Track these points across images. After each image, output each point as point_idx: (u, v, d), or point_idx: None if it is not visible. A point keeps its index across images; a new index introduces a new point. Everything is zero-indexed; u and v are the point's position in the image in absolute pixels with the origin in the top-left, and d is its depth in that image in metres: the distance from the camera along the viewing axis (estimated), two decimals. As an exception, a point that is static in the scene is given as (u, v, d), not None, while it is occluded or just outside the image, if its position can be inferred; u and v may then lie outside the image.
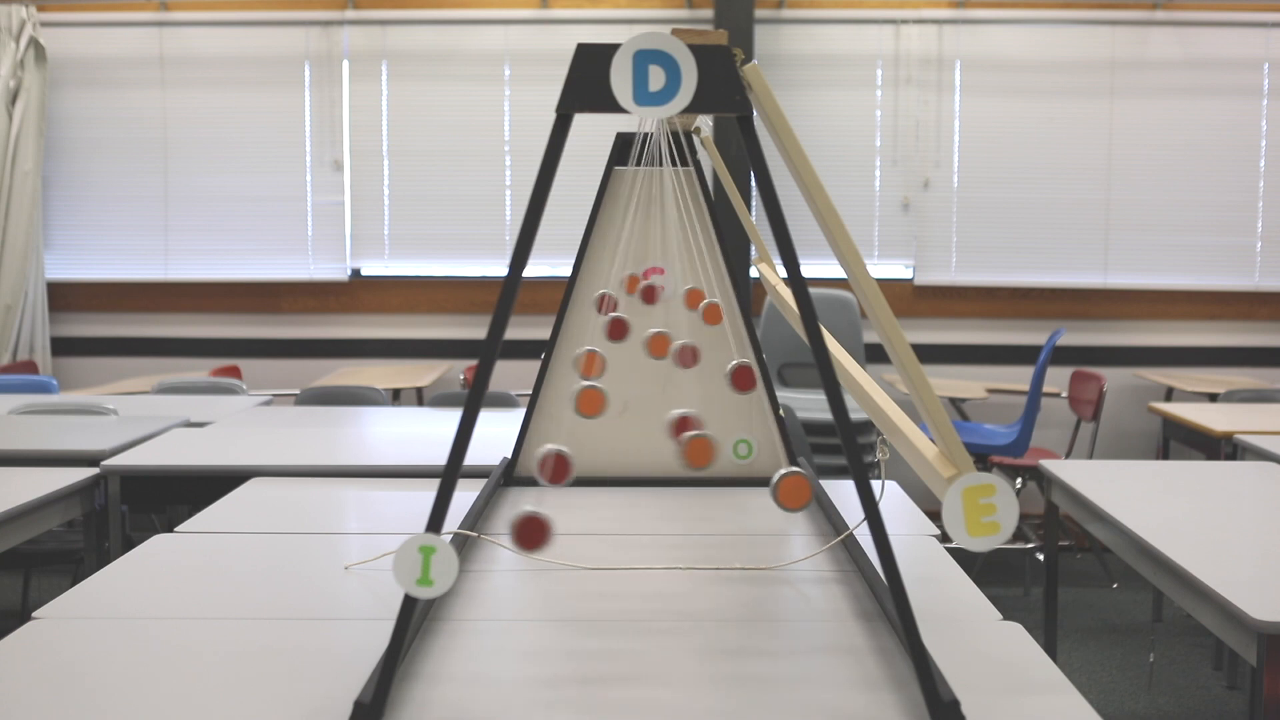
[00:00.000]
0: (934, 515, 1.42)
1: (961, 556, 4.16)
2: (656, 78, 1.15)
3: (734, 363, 1.56)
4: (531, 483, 2.25)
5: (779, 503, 1.30)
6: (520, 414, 2.33)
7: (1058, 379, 5.38)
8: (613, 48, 1.15)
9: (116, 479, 2.63)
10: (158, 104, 5.53)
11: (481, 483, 2.10)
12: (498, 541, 1.84)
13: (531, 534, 1.16)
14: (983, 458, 4.59)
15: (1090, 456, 4.95)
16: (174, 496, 2.82)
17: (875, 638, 1.41)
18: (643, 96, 1.15)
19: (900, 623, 1.15)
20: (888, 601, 1.41)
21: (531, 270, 4.92)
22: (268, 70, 5.51)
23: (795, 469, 1.31)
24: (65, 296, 5.61)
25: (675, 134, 2.06)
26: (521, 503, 2.12)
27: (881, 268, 5.52)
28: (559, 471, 1.27)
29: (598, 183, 2.19)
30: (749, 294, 5.19)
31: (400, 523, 2.06)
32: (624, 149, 2.19)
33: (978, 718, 1.16)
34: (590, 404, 1.63)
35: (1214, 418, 3.71)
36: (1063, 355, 5.41)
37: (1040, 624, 3.05)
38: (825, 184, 1.23)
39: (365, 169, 5.54)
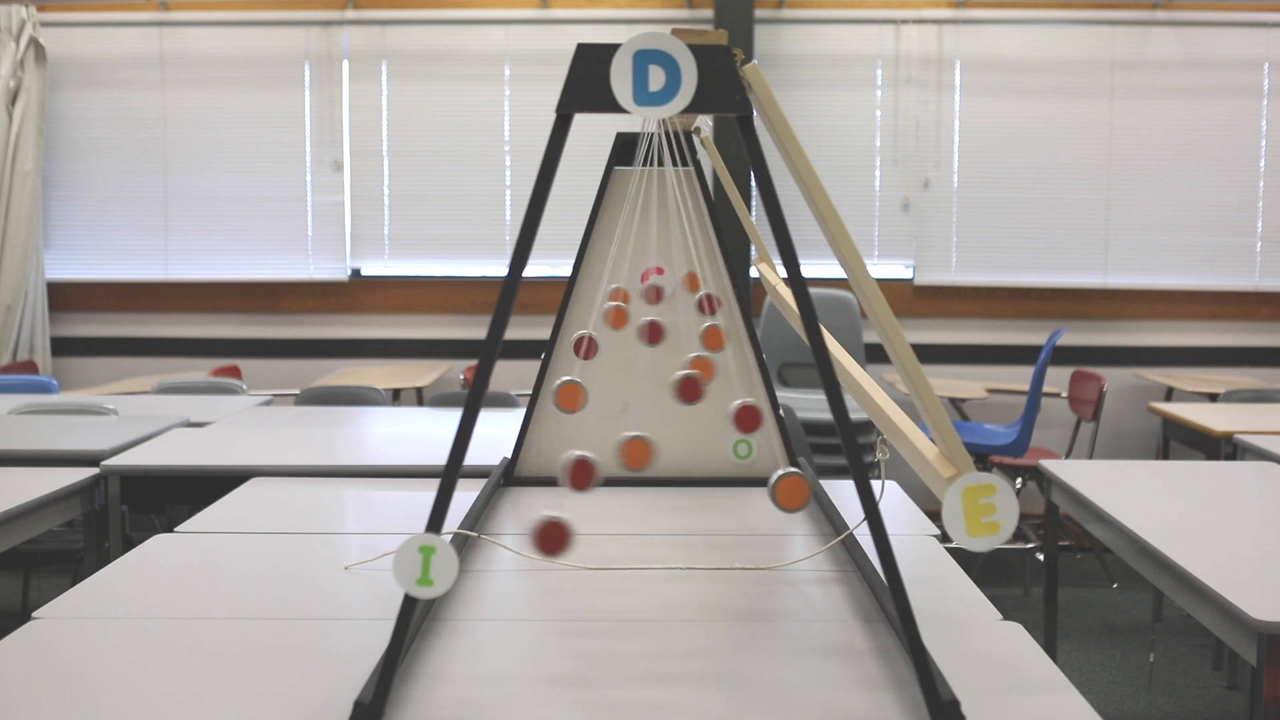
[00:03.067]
0: (934, 515, 1.42)
1: (961, 556, 4.16)
2: (656, 78, 1.15)
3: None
4: (532, 483, 2.25)
5: (777, 503, 1.29)
6: (520, 414, 2.33)
7: (1058, 379, 5.38)
8: (613, 48, 1.14)
9: (116, 479, 2.64)
10: (158, 104, 5.53)
11: (481, 483, 2.10)
12: (498, 541, 1.84)
13: (552, 538, 1.16)
14: (983, 458, 4.59)
15: (1090, 456, 4.95)
16: (174, 496, 2.82)
17: (875, 638, 1.41)
18: (643, 96, 1.15)
19: (900, 623, 1.15)
20: (888, 601, 1.41)
21: (531, 270, 4.92)
22: (268, 70, 5.51)
23: (793, 470, 1.31)
24: (65, 296, 5.61)
25: (675, 134, 2.06)
26: (524, 504, 2.12)
27: (881, 268, 5.52)
28: (582, 477, 1.26)
29: (598, 183, 2.19)
30: (749, 294, 5.19)
31: (400, 523, 2.06)
32: (624, 149, 2.19)
33: (978, 718, 1.16)
34: (570, 399, 1.61)
35: (1214, 418, 3.71)
36: (1063, 355, 5.41)
37: (1040, 624, 3.05)
38: (825, 184, 1.23)
39: (365, 169, 5.54)
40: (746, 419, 1.50)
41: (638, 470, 1.31)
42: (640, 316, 2.20)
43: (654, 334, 1.72)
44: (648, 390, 2.27)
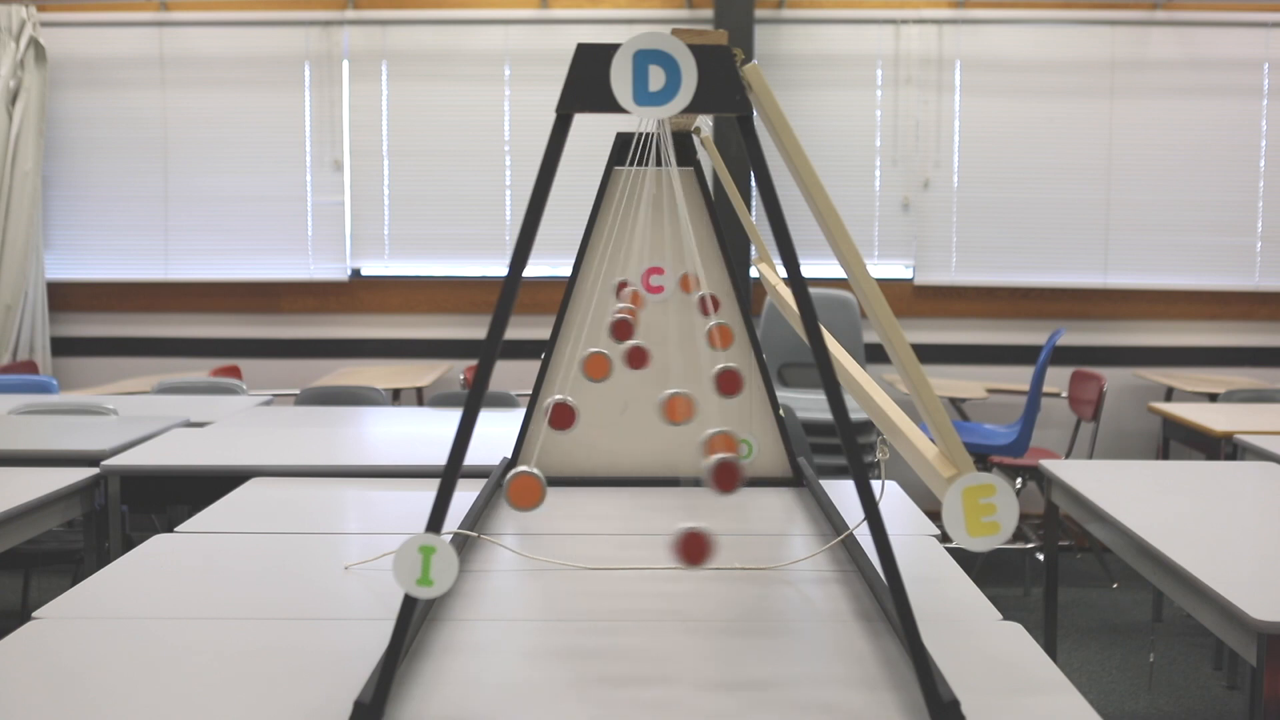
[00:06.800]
0: (934, 515, 1.42)
1: (961, 556, 4.17)
2: (656, 78, 1.15)
3: (718, 367, 1.53)
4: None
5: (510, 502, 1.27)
6: (520, 414, 2.33)
7: (1058, 379, 5.38)
8: (613, 48, 1.14)
9: (116, 479, 2.64)
10: (158, 104, 5.53)
11: (481, 483, 2.10)
12: (498, 541, 1.84)
13: (694, 548, 1.15)
14: (983, 458, 4.59)
15: (1090, 456, 4.95)
16: (174, 496, 2.82)
17: (875, 638, 1.41)
18: (643, 96, 1.15)
19: (900, 623, 1.15)
20: (888, 601, 1.41)
21: (531, 270, 4.93)
22: (268, 70, 5.51)
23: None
24: (65, 296, 5.61)
25: (675, 134, 2.05)
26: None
27: (881, 268, 5.52)
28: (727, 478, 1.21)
29: (598, 183, 2.19)
30: (749, 294, 5.19)
31: (400, 523, 2.06)
32: (624, 149, 2.19)
33: (978, 718, 1.16)
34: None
35: (1214, 418, 3.71)
36: (1063, 355, 5.41)
37: (1040, 624, 3.05)
38: (825, 184, 1.23)
39: (365, 169, 5.54)
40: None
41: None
42: (648, 322, 2.20)
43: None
44: (648, 389, 2.27)
